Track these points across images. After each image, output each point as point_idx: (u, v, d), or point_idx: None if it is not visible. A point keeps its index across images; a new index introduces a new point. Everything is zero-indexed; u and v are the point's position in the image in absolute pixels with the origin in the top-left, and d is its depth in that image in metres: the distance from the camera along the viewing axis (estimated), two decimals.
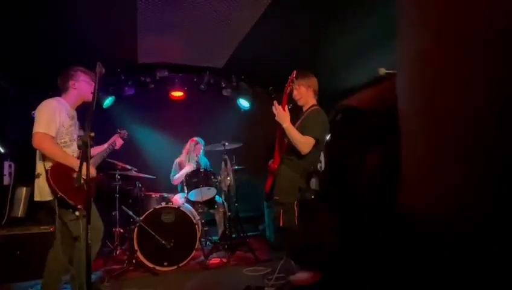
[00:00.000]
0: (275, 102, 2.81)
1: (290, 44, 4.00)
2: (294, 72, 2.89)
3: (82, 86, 2.45)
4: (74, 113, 2.52)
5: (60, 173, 2.24)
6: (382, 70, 2.69)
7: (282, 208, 2.78)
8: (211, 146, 4.24)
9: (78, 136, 2.46)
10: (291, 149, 2.83)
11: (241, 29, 3.85)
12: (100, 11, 3.29)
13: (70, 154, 2.35)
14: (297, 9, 3.46)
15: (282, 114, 2.76)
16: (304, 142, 2.74)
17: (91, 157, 2.27)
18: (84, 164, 1.73)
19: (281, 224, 2.79)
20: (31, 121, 2.29)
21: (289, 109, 2.88)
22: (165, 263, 3.42)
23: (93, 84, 2.28)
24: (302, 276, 2.84)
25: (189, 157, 4.46)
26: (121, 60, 4.53)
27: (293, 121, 2.90)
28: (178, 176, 4.33)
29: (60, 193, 2.17)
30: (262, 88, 5.45)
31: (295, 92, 2.97)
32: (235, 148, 4.23)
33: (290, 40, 3.98)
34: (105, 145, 2.83)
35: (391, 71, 2.68)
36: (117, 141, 2.90)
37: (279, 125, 2.83)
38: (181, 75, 5.04)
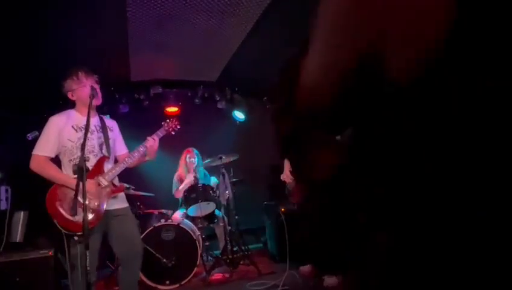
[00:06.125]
0: None
1: (282, 53, 4.01)
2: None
3: (78, 93, 2.28)
4: (89, 121, 2.07)
5: (59, 195, 2.11)
6: None
7: None
8: (208, 161, 4.21)
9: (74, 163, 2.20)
10: None
11: (232, 42, 3.88)
12: (90, 31, 3.31)
13: (70, 173, 2.14)
14: (289, 20, 3.49)
15: None
16: None
17: (102, 173, 2.23)
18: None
19: None
20: (26, 144, 2.26)
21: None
22: (167, 282, 3.37)
23: (85, 82, 2.25)
24: (334, 281, 2.84)
25: (187, 168, 4.43)
26: (114, 79, 4.54)
27: None
28: (181, 188, 4.23)
29: (53, 218, 2.05)
30: (257, 99, 5.47)
31: None
32: (233, 161, 4.21)
33: (282, 49, 3.98)
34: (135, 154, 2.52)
35: None
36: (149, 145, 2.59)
37: None
38: (175, 90, 5.06)
